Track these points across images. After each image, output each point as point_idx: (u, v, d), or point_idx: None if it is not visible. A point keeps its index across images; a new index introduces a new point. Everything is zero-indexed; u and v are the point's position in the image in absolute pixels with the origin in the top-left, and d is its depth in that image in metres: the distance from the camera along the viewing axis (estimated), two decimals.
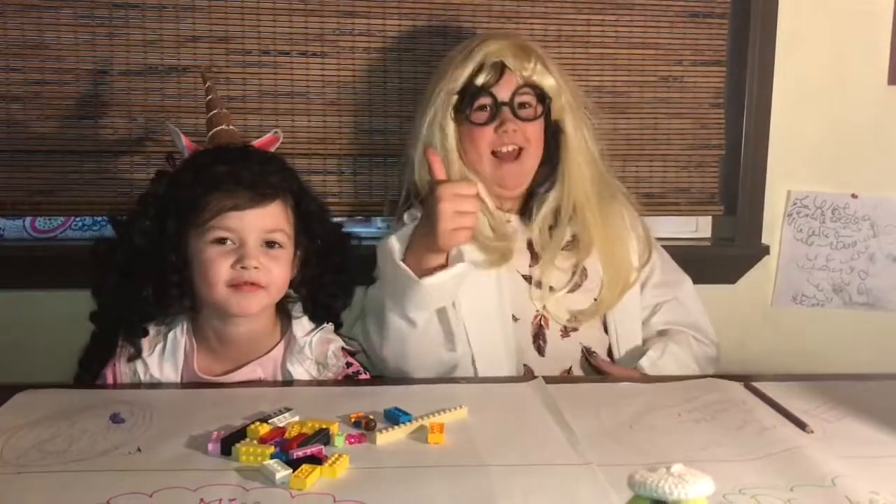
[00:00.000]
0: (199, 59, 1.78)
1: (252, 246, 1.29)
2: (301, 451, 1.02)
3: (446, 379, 1.32)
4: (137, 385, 1.34)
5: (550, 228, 1.58)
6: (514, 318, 1.52)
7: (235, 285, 1.28)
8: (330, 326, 1.43)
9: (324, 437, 1.07)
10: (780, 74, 1.94)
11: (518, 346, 1.51)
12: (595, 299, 1.57)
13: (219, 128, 1.43)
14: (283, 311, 1.41)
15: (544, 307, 1.55)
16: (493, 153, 1.53)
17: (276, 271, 1.31)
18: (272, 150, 1.46)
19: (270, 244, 1.31)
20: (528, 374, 1.47)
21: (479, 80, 1.52)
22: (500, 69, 1.52)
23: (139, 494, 0.94)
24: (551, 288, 1.54)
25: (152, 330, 1.36)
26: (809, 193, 2.00)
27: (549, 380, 1.33)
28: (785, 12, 1.92)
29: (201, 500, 0.93)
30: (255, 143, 1.46)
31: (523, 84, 1.53)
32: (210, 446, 1.05)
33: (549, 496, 0.95)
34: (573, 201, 1.56)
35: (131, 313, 1.34)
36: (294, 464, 0.99)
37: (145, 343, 1.35)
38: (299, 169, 1.78)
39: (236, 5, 1.78)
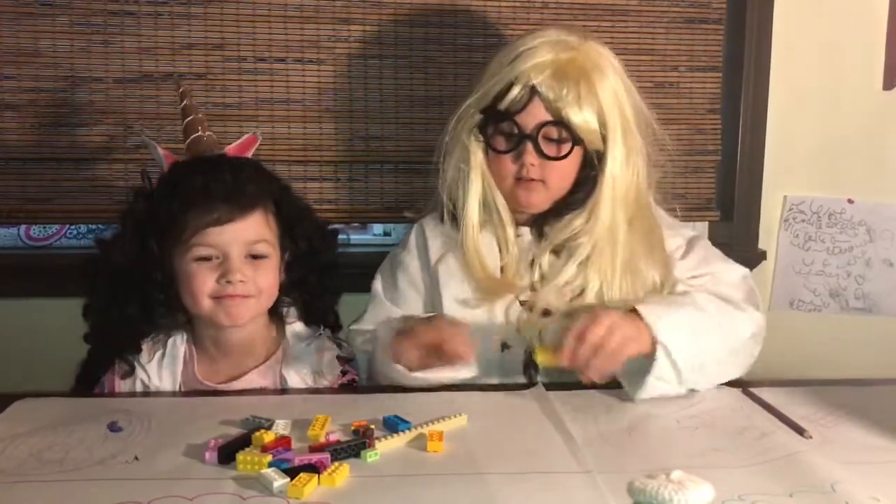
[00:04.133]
0: (195, 67, 1.78)
1: (235, 260, 1.28)
2: (303, 458, 1.02)
3: (446, 386, 1.31)
4: (135, 394, 1.33)
5: (558, 252, 1.44)
6: (506, 346, 1.42)
7: (220, 297, 1.28)
8: (326, 333, 1.43)
9: (358, 447, 1.06)
10: (776, 80, 1.94)
11: (506, 374, 1.43)
12: None
13: (195, 135, 1.40)
14: (277, 316, 1.41)
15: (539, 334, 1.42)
16: (515, 178, 1.40)
17: (263, 280, 1.31)
18: (251, 151, 1.44)
19: (255, 256, 1.31)
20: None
21: (504, 104, 1.36)
22: (530, 94, 1.35)
23: (136, 503, 0.93)
24: (547, 312, 1.41)
25: (150, 339, 1.35)
26: (805, 198, 2.00)
27: (549, 386, 1.33)
28: (780, 18, 1.92)
29: None
30: (232, 146, 1.43)
31: (551, 120, 1.35)
32: (207, 455, 1.05)
33: None
34: (595, 241, 1.39)
35: (121, 332, 1.33)
36: (293, 472, 0.98)
37: (144, 350, 1.34)
38: (295, 176, 1.81)
39: (232, 12, 1.77)
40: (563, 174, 1.40)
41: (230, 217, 1.28)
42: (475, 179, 1.42)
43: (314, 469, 0.99)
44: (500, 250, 1.45)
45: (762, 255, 1.99)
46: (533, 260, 1.45)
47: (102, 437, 1.13)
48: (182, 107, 1.44)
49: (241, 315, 1.30)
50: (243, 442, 1.07)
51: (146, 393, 1.34)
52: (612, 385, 1.29)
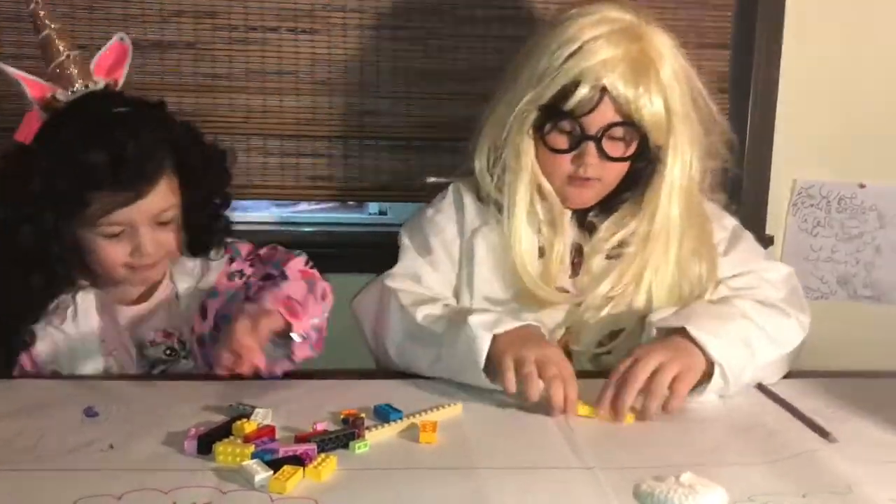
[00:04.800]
0: (184, 35, 1.70)
1: (145, 233, 1.24)
2: (288, 449, 0.96)
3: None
4: (113, 376, 1.27)
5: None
6: None
7: (134, 267, 1.26)
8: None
9: (347, 437, 1.00)
10: (788, 59, 1.87)
11: None
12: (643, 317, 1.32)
13: (58, 61, 1.25)
14: None
15: (568, 329, 1.35)
16: (568, 176, 1.31)
17: (171, 241, 1.29)
18: (125, 67, 1.33)
19: (162, 222, 1.26)
20: None
21: (570, 105, 1.25)
22: (601, 95, 1.24)
23: (107, 497, 0.87)
24: (585, 304, 1.33)
25: (58, 299, 1.29)
26: (815, 182, 1.93)
27: None
28: None
29: (173, 503, 0.87)
30: (99, 61, 1.30)
31: (621, 120, 1.26)
32: (186, 444, 0.99)
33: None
34: (649, 239, 1.31)
35: (20, 304, 1.26)
36: (276, 464, 0.93)
37: (56, 313, 1.28)
38: (287, 152, 1.75)
39: None
40: (621, 171, 1.32)
41: (138, 196, 1.22)
42: (525, 179, 1.31)
43: (299, 461, 0.93)
44: (543, 246, 1.34)
45: (769, 241, 1.92)
46: (575, 253, 1.37)
47: (78, 422, 1.07)
48: (33, 22, 1.28)
49: (153, 277, 1.32)
50: (224, 431, 1.01)
51: (126, 376, 1.28)
52: None
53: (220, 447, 0.96)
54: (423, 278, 1.35)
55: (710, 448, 1.04)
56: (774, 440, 1.06)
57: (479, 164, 1.36)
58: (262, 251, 1.42)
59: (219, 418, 1.06)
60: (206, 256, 1.37)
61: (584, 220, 1.38)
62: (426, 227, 1.41)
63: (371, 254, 1.57)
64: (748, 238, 1.42)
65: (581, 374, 1.19)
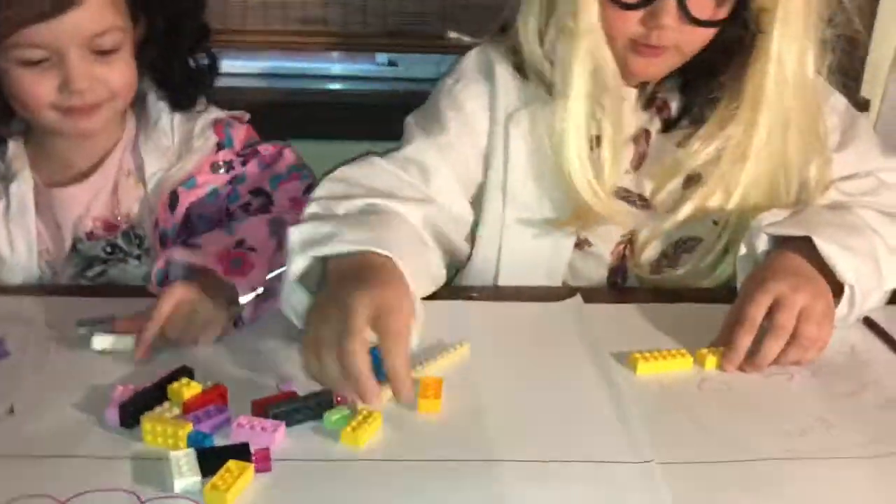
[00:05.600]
0: None
1: (75, 61, 0.95)
2: (243, 426, 0.72)
3: (449, 292, 0.98)
4: (39, 288, 1.03)
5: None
6: (587, 244, 1.08)
7: (65, 109, 0.97)
8: (201, 100, 1.10)
9: (322, 403, 0.75)
10: None
11: (585, 283, 1.09)
12: (715, 223, 1.05)
13: None
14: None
15: (632, 234, 1.07)
16: (632, 40, 0.97)
17: (117, 78, 0.99)
18: None
19: (101, 51, 0.97)
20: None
21: None
22: None
23: None
24: (648, 204, 1.06)
25: None
26: None
27: (589, 295, 1.00)
28: None
29: None
30: None
31: None
32: (108, 413, 0.74)
33: None
34: (742, 134, 0.99)
35: None
36: (217, 455, 0.68)
37: None
38: None
39: None
40: (705, 39, 0.97)
41: (62, 5, 0.92)
42: (586, 44, 0.96)
43: (246, 455, 0.68)
44: (601, 132, 1.01)
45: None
46: (637, 138, 1.06)
47: None
48: None
49: (92, 126, 1.01)
50: (160, 393, 0.76)
51: (51, 288, 1.03)
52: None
53: (149, 423, 0.71)
54: (430, 171, 1.01)
55: (801, 425, 0.77)
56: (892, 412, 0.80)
57: (524, 19, 1.01)
58: (266, 148, 1.10)
59: (159, 368, 0.81)
60: (182, 111, 1.08)
61: (652, 97, 1.05)
62: (442, 100, 1.07)
63: (377, 114, 1.32)
64: (863, 125, 1.09)
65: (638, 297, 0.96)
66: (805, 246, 0.89)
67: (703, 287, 1.05)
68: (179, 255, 0.91)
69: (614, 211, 1.01)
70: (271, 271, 0.91)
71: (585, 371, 0.85)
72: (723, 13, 0.94)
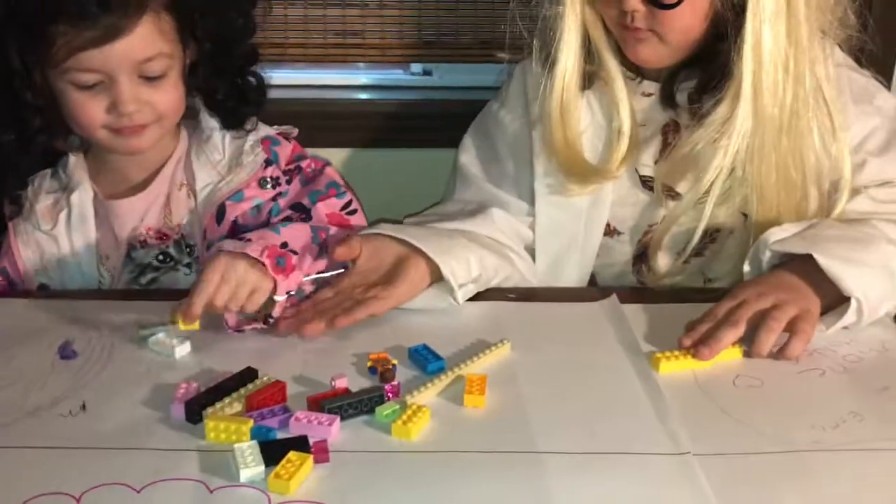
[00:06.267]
0: None
1: (125, 86, 1.00)
2: (301, 420, 0.76)
3: (488, 294, 1.02)
4: (100, 293, 1.08)
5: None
6: (617, 232, 1.13)
7: (116, 129, 1.02)
8: (253, 119, 1.15)
9: (374, 399, 0.80)
10: None
11: (611, 269, 1.15)
12: (744, 214, 1.06)
13: None
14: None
15: (662, 220, 1.10)
16: (619, 22, 1.02)
17: (164, 101, 1.04)
18: None
19: (151, 77, 1.02)
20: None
21: None
22: None
23: (63, 496, 0.68)
24: (675, 193, 1.09)
25: (50, 198, 1.09)
26: None
27: (625, 296, 1.03)
28: None
29: None
30: None
31: None
32: (173, 409, 0.79)
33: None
34: (726, 116, 1.00)
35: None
36: (279, 447, 0.72)
37: (45, 214, 1.08)
38: (312, 1, 1.46)
39: None
40: (682, 27, 0.99)
41: (111, 35, 0.97)
42: (571, 19, 1.03)
43: (304, 445, 0.73)
44: (618, 114, 1.07)
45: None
46: (665, 129, 1.10)
47: (49, 367, 0.88)
48: None
49: (141, 145, 1.06)
50: (223, 390, 0.81)
51: (114, 293, 1.08)
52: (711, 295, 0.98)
53: (211, 421, 0.76)
54: (493, 208, 1.11)
55: (834, 417, 0.80)
56: None
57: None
58: (309, 165, 1.15)
59: (220, 367, 0.86)
60: (235, 130, 1.12)
61: (672, 92, 1.08)
62: (488, 126, 1.16)
63: (413, 123, 1.39)
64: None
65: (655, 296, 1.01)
66: (810, 261, 0.92)
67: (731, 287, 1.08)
68: (231, 245, 0.96)
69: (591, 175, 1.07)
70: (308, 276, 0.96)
71: (622, 367, 0.88)
72: None
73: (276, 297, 0.92)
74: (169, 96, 1.04)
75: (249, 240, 0.96)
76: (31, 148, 1.06)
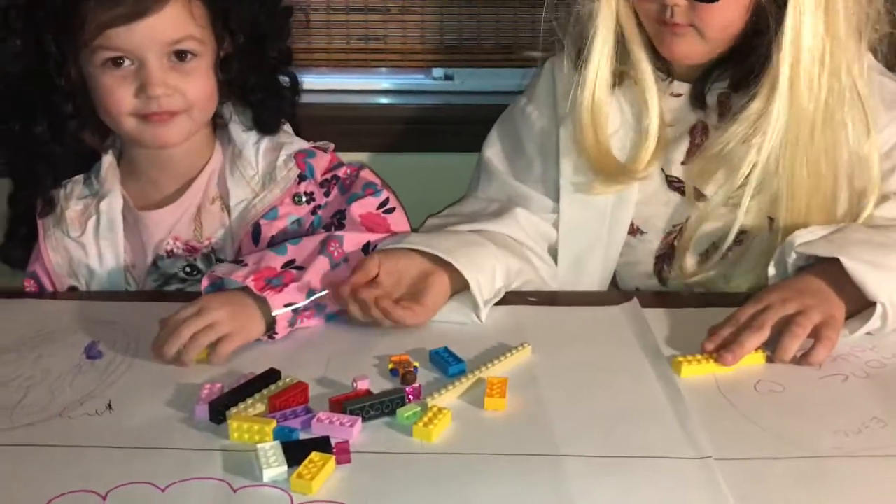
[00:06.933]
0: None
1: (154, 66, 1.00)
2: (323, 420, 0.77)
3: (510, 297, 1.03)
4: (123, 294, 1.09)
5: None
6: (640, 231, 1.13)
7: (144, 115, 1.02)
8: (286, 128, 1.15)
9: (395, 401, 0.80)
10: None
11: (633, 268, 1.15)
12: (770, 218, 1.06)
13: None
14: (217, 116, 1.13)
15: (687, 221, 1.10)
16: (657, 18, 1.02)
17: (194, 90, 1.03)
18: None
19: (180, 55, 1.02)
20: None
21: None
22: None
23: (89, 495, 0.70)
24: (701, 195, 1.08)
25: (80, 203, 1.09)
26: None
27: (647, 299, 1.03)
28: None
29: None
30: None
31: None
32: (197, 409, 0.80)
33: None
34: (758, 118, 1.00)
35: (31, 159, 1.06)
36: (302, 448, 0.73)
37: (75, 220, 1.09)
38: (335, 5, 1.47)
39: None
40: (723, 22, 0.99)
41: (139, 12, 0.98)
42: (606, 15, 1.03)
43: (326, 446, 0.73)
44: (647, 113, 1.07)
45: None
46: (693, 130, 1.10)
47: (75, 367, 0.89)
48: None
49: (170, 136, 1.05)
50: (246, 391, 0.82)
51: (140, 294, 1.09)
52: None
53: (235, 421, 0.77)
54: (517, 207, 1.12)
55: (856, 423, 0.79)
56: None
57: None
58: (345, 171, 1.13)
59: (244, 369, 0.87)
60: (265, 133, 1.12)
61: (702, 93, 1.08)
62: (515, 121, 1.17)
63: (434, 126, 1.40)
64: None
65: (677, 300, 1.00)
66: (836, 265, 0.91)
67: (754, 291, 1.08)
68: (221, 270, 0.96)
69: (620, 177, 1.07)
70: (321, 286, 0.96)
71: (643, 371, 0.88)
72: None
73: (275, 312, 0.92)
74: (200, 84, 1.04)
75: (245, 263, 0.97)
76: (64, 137, 1.06)
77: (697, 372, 0.88)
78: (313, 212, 1.10)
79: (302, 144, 1.13)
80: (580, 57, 1.06)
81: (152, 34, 0.99)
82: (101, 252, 1.09)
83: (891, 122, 1.05)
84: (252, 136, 1.12)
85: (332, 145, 1.16)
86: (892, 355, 0.91)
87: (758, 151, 1.01)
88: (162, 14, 0.99)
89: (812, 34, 0.96)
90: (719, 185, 1.06)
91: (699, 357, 0.89)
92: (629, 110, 1.09)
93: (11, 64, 1.03)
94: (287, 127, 1.15)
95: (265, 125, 1.12)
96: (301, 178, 1.10)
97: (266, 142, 1.11)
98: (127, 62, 1.00)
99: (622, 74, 1.08)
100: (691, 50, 1.03)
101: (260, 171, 1.10)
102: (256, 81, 1.10)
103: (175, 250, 1.10)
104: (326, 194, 1.11)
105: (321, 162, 1.13)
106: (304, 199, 1.10)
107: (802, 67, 0.97)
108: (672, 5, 0.98)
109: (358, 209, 1.07)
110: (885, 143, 1.05)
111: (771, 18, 0.97)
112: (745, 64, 1.02)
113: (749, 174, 1.03)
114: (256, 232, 1.08)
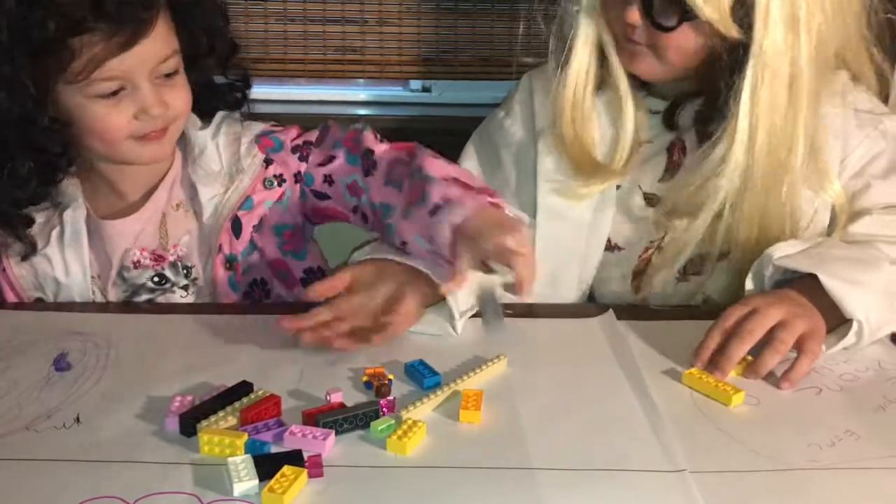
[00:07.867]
0: None
1: (148, 88, 0.99)
2: (295, 434, 0.76)
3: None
4: (99, 304, 1.08)
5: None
6: (617, 248, 1.14)
7: (141, 137, 1.02)
8: (234, 115, 1.13)
9: (369, 413, 0.80)
10: None
11: (609, 283, 1.15)
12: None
13: None
14: None
15: (662, 238, 1.11)
16: (622, 35, 1.03)
17: (179, 101, 1.03)
18: None
19: (168, 74, 1.01)
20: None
21: None
22: None
23: None
24: (676, 211, 1.08)
25: (42, 215, 1.07)
26: None
27: (622, 312, 1.03)
28: None
29: None
30: None
31: None
32: (168, 422, 0.79)
33: None
34: (736, 162, 1.00)
35: (11, 199, 1.04)
36: (273, 461, 0.72)
37: (37, 232, 1.06)
38: (312, 16, 1.47)
39: None
40: (678, 50, 1.00)
41: (133, 39, 0.96)
42: (587, 22, 1.04)
43: (299, 460, 0.73)
44: (621, 117, 1.08)
45: None
46: (672, 148, 1.10)
47: (43, 379, 0.87)
48: None
49: (165, 151, 1.06)
50: (217, 403, 0.81)
51: (109, 306, 1.07)
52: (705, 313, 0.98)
53: (206, 434, 0.75)
54: None
55: (830, 435, 0.80)
56: None
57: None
58: (312, 135, 1.13)
59: (216, 379, 0.86)
60: (223, 111, 1.12)
61: (673, 115, 1.09)
62: (492, 132, 1.16)
63: (412, 139, 1.34)
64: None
65: (652, 313, 1.01)
66: (814, 280, 0.91)
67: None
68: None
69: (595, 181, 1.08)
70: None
71: (619, 383, 0.88)
72: (672, 21, 0.96)
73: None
74: (183, 94, 1.04)
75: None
76: (50, 176, 1.04)
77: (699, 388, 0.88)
78: (296, 180, 1.10)
79: (260, 127, 1.13)
80: (563, 55, 1.07)
81: (143, 57, 0.98)
82: (67, 263, 1.07)
83: (863, 141, 1.06)
84: (208, 132, 1.10)
85: (292, 127, 1.15)
86: (865, 368, 0.92)
87: (715, 194, 1.02)
88: (153, 35, 0.98)
89: (771, 94, 0.96)
90: (692, 208, 1.06)
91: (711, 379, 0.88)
92: (606, 112, 1.09)
93: None
94: (232, 115, 1.13)
95: (236, 105, 1.12)
96: (267, 162, 1.10)
97: (223, 136, 1.10)
98: (121, 90, 0.99)
99: (603, 80, 1.08)
100: (651, 69, 1.04)
101: (225, 165, 1.09)
102: (210, 82, 1.10)
103: (142, 261, 1.09)
104: (301, 159, 1.11)
105: (289, 132, 1.13)
106: (274, 183, 1.10)
107: (761, 124, 0.98)
108: (632, 24, 0.99)
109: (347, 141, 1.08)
110: (859, 160, 1.06)
111: (724, 71, 0.97)
112: (711, 102, 1.03)
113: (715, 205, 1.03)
114: (237, 225, 1.08)
